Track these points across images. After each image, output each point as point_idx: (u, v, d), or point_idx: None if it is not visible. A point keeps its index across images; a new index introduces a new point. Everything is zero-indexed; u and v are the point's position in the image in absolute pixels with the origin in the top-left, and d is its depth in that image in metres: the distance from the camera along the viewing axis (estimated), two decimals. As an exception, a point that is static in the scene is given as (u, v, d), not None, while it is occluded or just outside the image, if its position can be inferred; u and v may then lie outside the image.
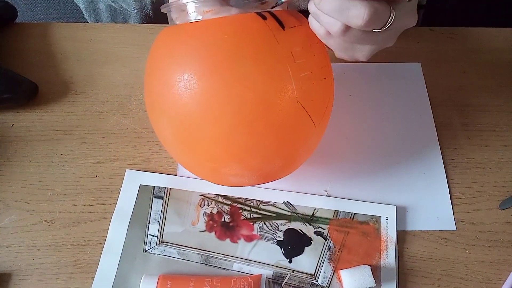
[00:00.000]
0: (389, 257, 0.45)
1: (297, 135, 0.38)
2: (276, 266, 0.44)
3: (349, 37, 0.34)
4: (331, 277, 0.44)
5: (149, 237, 0.45)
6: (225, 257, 0.45)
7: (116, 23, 0.71)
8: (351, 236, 0.46)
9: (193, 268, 0.44)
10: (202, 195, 0.48)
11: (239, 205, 0.47)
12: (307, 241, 0.46)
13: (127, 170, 0.49)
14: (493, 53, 0.61)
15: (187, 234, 0.46)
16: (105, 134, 0.52)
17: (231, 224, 0.46)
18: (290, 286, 0.43)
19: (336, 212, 0.47)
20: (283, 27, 0.36)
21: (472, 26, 0.63)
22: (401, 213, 0.48)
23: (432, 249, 0.46)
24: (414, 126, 0.54)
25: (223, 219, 0.47)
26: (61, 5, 1.16)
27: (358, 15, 0.31)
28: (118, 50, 0.59)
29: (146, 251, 0.45)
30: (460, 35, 0.62)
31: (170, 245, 0.45)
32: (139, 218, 0.46)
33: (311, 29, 0.37)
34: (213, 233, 0.46)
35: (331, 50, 0.39)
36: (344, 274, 0.43)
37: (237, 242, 0.45)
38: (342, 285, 0.43)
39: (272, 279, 0.44)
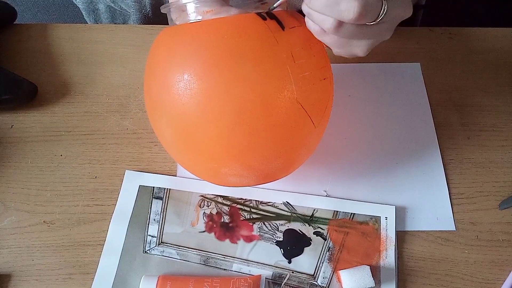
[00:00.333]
0: (388, 257, 0.45)
1: (297, 135, 0.38)
2: (276, 267, 0.44)
3: (343, 32, 0.34)
4: (330, 277, 0.44)
5: (149, 238, 0.45)
6: (224, 257, 0.45)
7: (115, 24, 0.71)
8: (350, 237, 0.46)
9: (193, 268, 0.44)
10: (201, 196, 0.48)
11: (239, 206, 0.47)
12: (307, 241, 0.46)
13: (126, 170, 0.49)
14: (493, 53, 0.61)
15: (186, 235, 0.46)
16: (105, 135, 0.52)
17: (230, 224, 0.46)
18: (290, 286, 0.43)
19: (336, 213, 0.47)
20: (283, 27, 0.37)
21: (472, 26, 0.63)
22: (400, 213, 0.48)
23: (431, 249, 0.46)
24: (414, 126, 0.54)
25: (222, 220, 0.47)
26: (60, 6, 1.16)
27: (349, 8, 0.31)
28: (117, 50, 0.59)
29: (145, 251, 0.45)
30: (460, 35, 0.62)
31: (169, 246, 0.45)
32: (138, 218, 0.46)
33: None
34: (212, 234, 0.46)
35: (329, 48, 0.39)
36: (343, 274, 0.43)
37: (236, 243, 0.45)
38: (341, 285, 0.43)
39: (271, 279, 0.44)
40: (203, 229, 0.46)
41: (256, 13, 0.37)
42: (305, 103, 0.37)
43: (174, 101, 0.36)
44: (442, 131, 0.53)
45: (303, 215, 0.47)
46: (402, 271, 0.45)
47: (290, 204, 0.48)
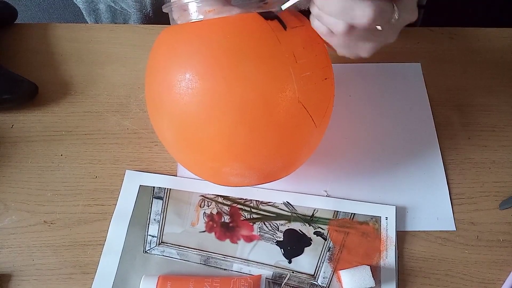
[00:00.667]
0: (388, 257, 0.45)
1: (298, 135, 0.38)
2: (276, 267, 0.44)
3: (353, 36, 0.34)
4: (330, 277, 0.44)
5: (149, 238, 0.45)
6: (225, 257, 0.45)
7: (116, 23, 0.71)
8: (350, 237, 0.46)
9: (193, 268, 0.44)
10: (202, 196, 0.48)
11: (239, 206, 0.47)
12: (307, 241, 0.46)
13: (127, 170, 0.49)
14: (493, 53, 0.61)
15: (187, 235, 0.46)
16: (105, 134, 0.52)
17: (231, 224, 0.46)
18: (290, 286, 0.43)
19: (336, 213, 0.47)
20: (285, 27, 0.37)
21: (472, 26, 0.63)
22: (400, 213, 0.48)
23: (432, 249, 0.46)
24: (414, 126, 0.54)
25: (223, 220, 0.47)
26: (61, 6, 1.16)
27: (363, 14, 0.32)
28: (118, 50, 0.59)
29: (146, 251, 0.45)
30: (460, 35, 0.62)
31: (170, 246, 0.45)
32: (139, 218, 0.46)
33: (312, 30, 0.37)
34: (213, 234, 0.46)
35: (332, 48, 0.39)
36: (344, 274, 0.43)
37: (237, 243, 0.45)
38: (341, 285, 0.43)
39: (272, 279, 0.44)
40: (204, 229, 0.46)
41: (258, 12, 0.37)
42: (307, 103, 0.37)
43: (175, 101, 0.36)
44: (443, 131, 0.53)
45: (303, 215, 0.47)
46: (402, 271, 0.45)
47: (290, 204, 0.48)
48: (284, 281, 0.44)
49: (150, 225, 0.46)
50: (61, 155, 0.50)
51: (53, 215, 0.46)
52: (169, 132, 0.39)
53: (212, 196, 0.48)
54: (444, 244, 0.46)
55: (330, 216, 0.47)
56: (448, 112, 0.55)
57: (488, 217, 0.48)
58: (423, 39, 0.62)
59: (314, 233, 0.46)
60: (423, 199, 0.49)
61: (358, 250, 0.45)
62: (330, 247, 0.45)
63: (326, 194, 0.48)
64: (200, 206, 0.47)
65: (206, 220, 0.46)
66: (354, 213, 0.47)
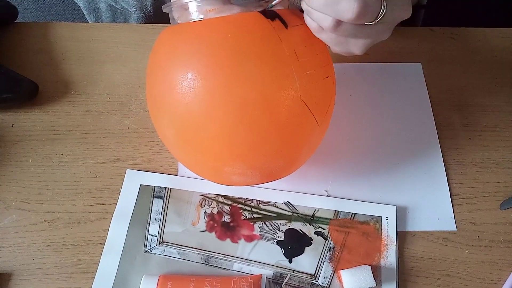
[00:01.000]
0: (389, 257, 0.45)
1: (300, 133, 0.38)
2: (277, 266, 0.44)
3: (341, 31, 0.34)
4: (331, 277, 0.44)
5: (150, 237, 0.45)
6: (225, 257, 0.45)
7: (116, 22, 0.71)
8: (351, 236, 0.46)
9: (194, 268, 0.44)
10: (202, 195, 0.48)
11: (240, 205, 0.47)
12: (308, 241, 0.46)
13: (127, 170, 0.49)
14: (493, 53, 0.61)
15: (187, 234, 0.46)
16: (106, 134, 0.52)
17: (231, 224, 0.46)
18: (291, 286, 0.43)
19: (337, 212, 0.47)
20: (286, 25, 0.36)
21: (472, 26, 0.63)
22: (401, 213, 0.48)
23: (432, 249, 0.46)
24: (415, 126, 0.54)
25: (223, 219, 0.47)
26: (61, 5, 1.16)
27: (348, 8, 0.31)
28: (118, 49, 0.59)
29: (146, 251, 0.45)
30: (460, 35, 0.62)
31: (170, 245, 0.45)
32: (139, 218, 0.46)
33: None
34: (213, 233, 0.46)
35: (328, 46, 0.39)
36: (344, 274, 0.43)
37: (237, 242, 0.45)
38: (342, 285, 0.43)
39: (272, 279, 0.44)
40: (204, 228, 0.46)
41: (259, 11, 0.37)
42: (309, 101, 0.37)
43: (177, 100, 0.36)
44: (444, 131, 0.53)
45: (304, 214, 0.47)
46: (403, 271, 0.45)
47: (291, 204, 0.48)
48: (285, 281, 0.44)
49: (150, 224, 0.46)
50: (62, 154, 0.50)
51: (54, 214, 0.46)
52: (171, 132, 0.39)
53: (213, 196, 0.48)
54: (444, 244, 0.46)
55: (331, 216, 0.47)
56: (448, 112, 0.55)
57: (488, 217, 0.48)
58: (423, 39, 0.62)
59: (315, 232, 0.46)
60: (424, 199, 0.49)
61: (359, 250, 0.45)
62: (330, 247, 0.45)
63: (326, 194, 0.48)
64: (201, 206, 0.47)
65: (206, 219, 0.46)
66: (355, 213, 0.47)
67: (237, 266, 0.44)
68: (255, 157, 0.38)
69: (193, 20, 0.38)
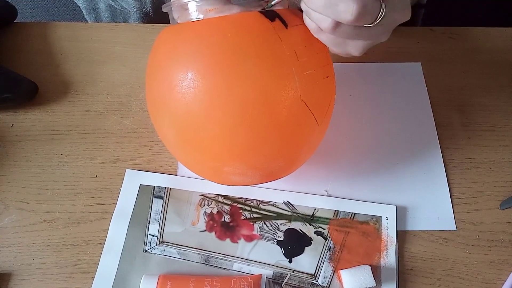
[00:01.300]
0: (389, 257, 0.45)
1: (300, 133, 0.38)
2: (276, 266, 0.44)
3: (340, 32, 0.34)
4: (331, 277, 0.44)
5: (149, 237, 0.45)
6: (225, 257, 0.45)
7: (116, 22, 0.71)
8: (351, 236, 0.46)
9: (193, 268, 0.44)
10: (202, 195, 0.48)
11: (239, 205, 0.47)
12: (307, 241, 0.46)
13: (127, 170, 0.49)
14: (493, 53, 0.61)
15: (187, 234, 0.46)
16: (105, 134, 0.52)
17: (231, 224, 0.46)
18: (290, 286, 0.43)
19: (336, 212, 0.47)
20: (286, 25, 0.36)
21: (472, 26, 0.63)
22: (401, 213, 0.48)
23: (432, 249, 0.46)
24: (415, 126, 0.54)
25: (223, 219, 0.47)
26: (61, 5, 1.16)
27: (347, 10, 0.31)
28: (118, 49, 0.59)
29: (146, 251, 0.45)
30: (460, 35, 0.62)
31: (170, 245, 0.45)
32: (139, 218, 0.46)
33: None
34: (213, 233, 0.46)
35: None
36: (344, 274, 0.43)
37: (237, 242, 0.45)
38: (342, 285, 0.43)
39: (272, 279, 0.44)
40: (204, 228, 0.46)
41: (259, 11, 0.37)
42: (309, 101, 0.37)
43: (177, 100, 0.36)
44: (443, 131, 0.53)
45: (303, 214, 0.47)
46: (402, 271, 0.45)
47: (290, 204, 0.47)
48: (285, 281, 0.44)
49: (150, 224, 0.46)
50: (61, 154, 0.50)
51: (53, 214, 0.46)
52: (170, 131, 0.39)
53: (213, 196, 0.48)
54: (444, 244, 0.46)
55: (331, 216, 0.47)
56: (448, 111, 0.55)
57: (488, 217, 0.48)
58: (423, 38, 0.62)
59: (315, 232, 0.46)
60: (424, 199, 0.49)
61: (359, 250, 0.45)
62: (330, 247, 0.45)
63: (326, 194, 0.48)
64: (201, 206, 0.47)
65: (206, 219, 0.46)
66: (355, 213, 0.47)
67: (237, 266, 0.44)
68: (255, 157, 0.38)
69: (192, 20, 0.38)
